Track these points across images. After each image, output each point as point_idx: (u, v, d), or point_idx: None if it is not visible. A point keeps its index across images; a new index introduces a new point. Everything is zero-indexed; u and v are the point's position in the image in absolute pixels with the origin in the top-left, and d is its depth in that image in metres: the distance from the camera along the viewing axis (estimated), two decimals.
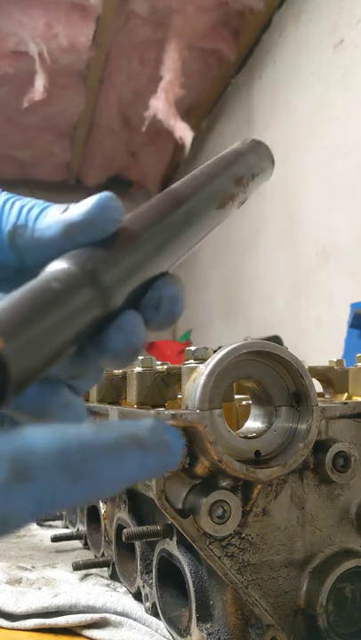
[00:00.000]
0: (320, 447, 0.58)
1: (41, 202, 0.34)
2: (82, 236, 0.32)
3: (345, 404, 0.60)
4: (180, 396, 0.63)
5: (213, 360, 0.52)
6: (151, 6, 2.44)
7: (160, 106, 2.58)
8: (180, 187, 0.37)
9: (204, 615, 0.56)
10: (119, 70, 2.87)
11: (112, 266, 0.31)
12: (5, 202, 0.34)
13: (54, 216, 0.33)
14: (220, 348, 0.53)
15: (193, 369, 0.54)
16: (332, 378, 0.83)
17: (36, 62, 2.53)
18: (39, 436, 0.24)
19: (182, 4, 2.41)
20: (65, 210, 0.33)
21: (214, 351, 0.54)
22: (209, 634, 0.55)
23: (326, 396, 0.84)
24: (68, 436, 0.25)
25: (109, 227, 0.32)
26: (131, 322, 0.32)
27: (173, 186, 0.37)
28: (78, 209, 0.33)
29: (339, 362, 0.84)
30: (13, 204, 0.34)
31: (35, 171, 3.80)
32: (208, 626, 0.56)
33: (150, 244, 0.33)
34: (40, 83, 2.56)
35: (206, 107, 3.14)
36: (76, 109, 3.14)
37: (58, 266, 0.29)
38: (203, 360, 0.54)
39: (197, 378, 0.52)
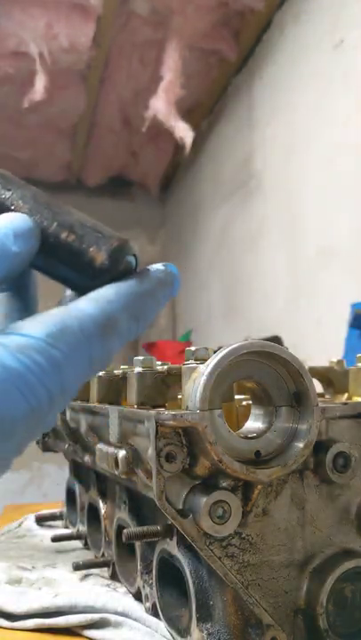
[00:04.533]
0: (320, 447, 0.58)
1: None
2: None
3: (345, 404, 0.60)
4: (180, 397, 0.63)
5: (213, 360, 0.52)
6: (151, 6, 2.44)
7: (160, 106, 2.58)
8: None
9: (205, 615, 0.56)
10: (119, 70, 2.87)
11: None
12: None
13: None
14: (220, 348, 0.53)
15: (193, 369, 0.54)
16: (333, 378, 0.83)
17: (36, 62, 2.53)
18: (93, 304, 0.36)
19: (182, 5, 2.40)
20: None
21: (214, 351, 0.54)
22: (209, 634, 0.55)
23: (327, 397, 0.85)
24: (130, 289, 0.37)
25: None
26: None
27: None
28: None
29: (339, 362, 0.84)
30: None
31: (35, 171, 3.80)
32: (208, 626, 0.56)
33: None
34: (40, 83, 2.56)
35: (207, 107, 3.14)
36: (76, 109, 3.14)
37: None
38: (203, 360, 0.54)
39: (197, 378, 0.52)
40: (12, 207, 0.41)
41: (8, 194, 0.43)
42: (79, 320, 0.34)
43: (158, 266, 0.40)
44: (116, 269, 0.38)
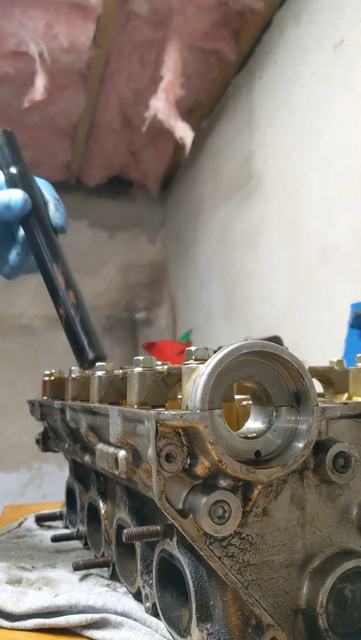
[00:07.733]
0: (320, 447, 0.58)
1: None
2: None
3: (345, 404, 0.60)
4: (180, 397, 0.63)
5: (214, 360, 0.52)
6: (151, 6, 2.44)
7: (160, 106, 2.58)
8: None
9: (205, 615, 0.56)
10: (120, 70, 2.87)
11: None
12: None
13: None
14: (220, 348, 0.53)
15: (193, 369, 0.54)
16: (333, 378, 0.83)
17: (36, 62, 2.53)
18: None
19: (183, 4, 2.40)
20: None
21: (214, 351, 0.54)
22: (209, 634, 0.55)
23: (327, 397, 0.85)
24: None
25: None
26: None
27: None
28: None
29: (339, 362, 0.84)
30: None
31: (35, 171, 3.76)
32: (208, 626, 0.56)
33: None
34: (40, 83, 2.56)
35: (207, 107, 3.14)
36: (76, 109, 3.14)
37: None
38: (203, 360, 0.54)
39: (197, 378, 0.52)
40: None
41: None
42: None
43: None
44: (91, 366, 0.76)
